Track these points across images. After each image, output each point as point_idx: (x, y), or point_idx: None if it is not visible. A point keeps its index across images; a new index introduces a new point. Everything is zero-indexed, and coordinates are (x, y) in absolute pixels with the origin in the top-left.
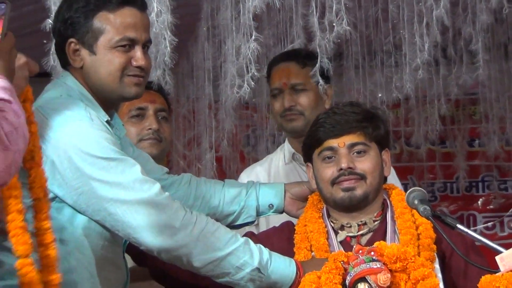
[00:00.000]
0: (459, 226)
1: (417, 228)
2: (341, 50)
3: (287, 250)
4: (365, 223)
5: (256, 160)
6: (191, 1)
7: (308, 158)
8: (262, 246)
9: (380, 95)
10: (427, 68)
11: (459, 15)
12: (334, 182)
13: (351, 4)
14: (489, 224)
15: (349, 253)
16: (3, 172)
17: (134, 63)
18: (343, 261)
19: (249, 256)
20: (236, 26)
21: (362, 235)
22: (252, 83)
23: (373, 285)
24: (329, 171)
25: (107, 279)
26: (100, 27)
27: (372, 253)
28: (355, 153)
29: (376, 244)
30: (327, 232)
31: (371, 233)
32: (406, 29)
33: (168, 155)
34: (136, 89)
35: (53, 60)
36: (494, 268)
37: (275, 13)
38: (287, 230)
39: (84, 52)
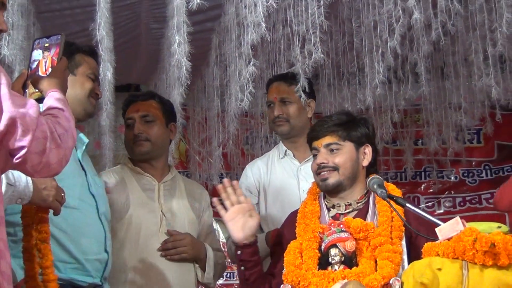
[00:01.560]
0: (408, 205)
1: (391, 212)
2: (317, 72)
3: (290, 226)
4: (350, 204)
5: (253, 155)
6: (204, 35)
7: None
8: None
9: (347, 106)
10: (383, 86)
11: (406, 45)
12: (316, 173)
13: (324, 37)
14: (430, 203)
15: (323, 225)
16: (56, 164)
17: (97, 92)
18: (319, 231)
19: None
20: (238, 54)
21: (349, 213)
22: (250, 97)
23: (342, 250)
24: (314, 165)
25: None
26: (80, 60)
27: (341, 225)
28: (330, 151)
29: (344, 218)
30: (320, 210)
31: (355, 212)
32: (367, 57)
33: (187, 152)
34: (93, 108)
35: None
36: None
37: (267, 44)
38: (292, 214)
39: None
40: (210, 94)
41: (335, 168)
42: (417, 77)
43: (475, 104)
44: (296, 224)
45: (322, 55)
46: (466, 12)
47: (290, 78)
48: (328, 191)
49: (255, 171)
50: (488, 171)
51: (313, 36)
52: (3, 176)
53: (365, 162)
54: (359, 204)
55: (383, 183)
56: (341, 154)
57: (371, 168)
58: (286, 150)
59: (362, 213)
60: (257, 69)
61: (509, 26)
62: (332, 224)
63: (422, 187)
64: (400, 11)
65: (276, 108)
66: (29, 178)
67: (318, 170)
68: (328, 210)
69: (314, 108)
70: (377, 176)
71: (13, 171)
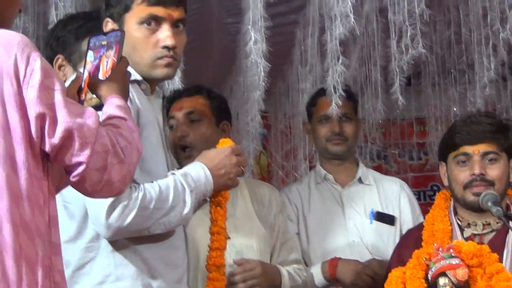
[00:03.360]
0: None
1: None
2: (419, 69)
3: (414, 247)
4: (489, 224)
5: None
6: (286, 29)
7: (443, 158)
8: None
9: (454, 109)
10: (496, 84)
11: None
12: (466, 186)
13: (426, 29)
14: None
15: (430, 250)
16: (119, 182)
17: None
18: (425, 258)
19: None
20: (325, 51)
21: (486, 234)
22: (340, 102)
23: (452, 279)
24: (463, 175)
25: None
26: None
27: (451, 250)
28: (487, 161)
29: (454, 242)
30: (452, 230)
31: (493, 233)
32: (476, 50)
33: (269, 166)
34: None
35: None
36: None
37: (359, 38)
38: (413, 233)
39: (68, 69)
40: (295, 98)
41: (492, 183)
42: None
43: None
44: (423, 244)
45: (424, 51)
46: None
47: (349, 93)
48: (480, 208)
49: (292, 197)
50: None
51: (411, 28)
52: (180, 177)
53: None
54: (498, 224)
55: (498, 200)
56: (499, 167)
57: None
58: (325, 174)
59: (502, 234)
60: (347, 68)
61: None
62: (440, 249)
63: None
64: None
65: (335, 124)
66: (207, 171)
67: (471, 183)
68: (461, 229)
69: (360, 129)
70: (491, 192)
71: (190, 172)
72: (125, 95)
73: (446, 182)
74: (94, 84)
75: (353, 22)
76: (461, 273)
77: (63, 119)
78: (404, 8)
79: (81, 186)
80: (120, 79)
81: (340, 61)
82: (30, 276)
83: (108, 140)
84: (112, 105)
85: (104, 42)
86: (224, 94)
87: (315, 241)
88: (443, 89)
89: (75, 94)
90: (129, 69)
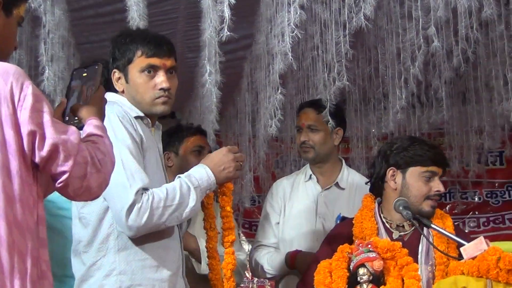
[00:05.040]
0: (433, 225)
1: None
2: (344, 98)
3: (347, 237)
4: (412, 224)
5: None
6: (236, 63)
7: (397, 166)
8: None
9: (373, 130)
10: (406, 111)
11: (429, 72)
12: (428, 197)
13: (351, 65)
14: (454, 224)
15: (352, 246)
16: (96, 188)
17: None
18: (348, 252)
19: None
20: (268, 82)
21: (409, 233)
22: (278, 123)
23: (370, 269)
24: (426, 188)
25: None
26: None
27: (369, 246)
28: (441, 181)
29: (372, 239)
30: (378, 229)
31: (412, 232)
32: (391, 83)
33: None
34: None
35: None
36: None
37: (296, 72)
38: (342, 228)
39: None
40: (242, 120)
41: (441, 197)
42: (439, 102)
43: (496, 128)
44: (354, 238)
45: (347, 83)
46: (486, 39)
47: (320, 106)
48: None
49: (280, 190)
50: (511, 192)
51: (338, 64)
52: (184, 178)
53: None
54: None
55: (408, 205)
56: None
57: None
58: (311, 174)
59: (418, 232)
60: (286, 96)
61: None
62: (361, 245)
63: (446, 208)
64: (422, 39)
65: (303, 134)
66: (208, 169)
67: (434, 197)
68: (387, 229)
69: (341, 136)
70: (402, 198)
71: (193, 172)
72: (101, 117)
73: (394, 186)
74: (76, 108)
75: (291, 59)
76: (377, 265)
77: (50, 136)
78: (333, 47)
79: (65, 191)
80: (97, 104)
81: (280, 90)
82: (21, 265)
83: (88, 153)
84: (91, 125)
85: (85, 74)
86: (184, 116)
87: (289, 232)
88: (364, 114)
89: (60, 116)
90: (133, 108)
